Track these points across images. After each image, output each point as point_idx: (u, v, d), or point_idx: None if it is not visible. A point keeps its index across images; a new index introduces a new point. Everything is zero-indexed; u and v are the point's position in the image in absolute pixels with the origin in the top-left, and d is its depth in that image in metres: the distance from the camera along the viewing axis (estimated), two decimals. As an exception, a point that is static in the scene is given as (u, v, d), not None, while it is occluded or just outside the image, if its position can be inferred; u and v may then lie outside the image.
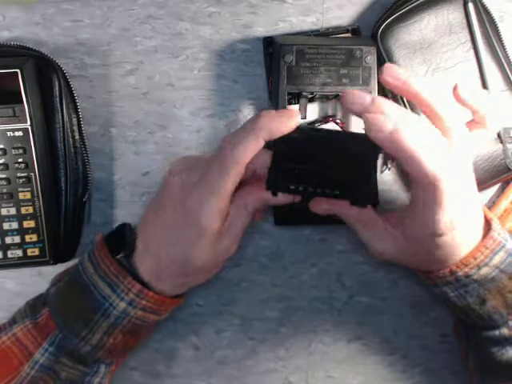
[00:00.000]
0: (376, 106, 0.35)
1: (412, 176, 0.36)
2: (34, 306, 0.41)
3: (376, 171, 0.38)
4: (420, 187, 0.36)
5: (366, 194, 0.38)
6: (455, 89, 0.38)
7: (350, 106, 0.36)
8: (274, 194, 0.39)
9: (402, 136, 0.34)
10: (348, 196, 0.39)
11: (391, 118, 0.35)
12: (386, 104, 0.36)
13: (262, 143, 0.36)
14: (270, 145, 0.38)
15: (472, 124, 0.40)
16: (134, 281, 0.38)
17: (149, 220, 0.40)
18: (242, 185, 0.39)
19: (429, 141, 0.35)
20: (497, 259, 0.38)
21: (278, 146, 0.38)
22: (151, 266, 0.39)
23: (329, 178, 0.38)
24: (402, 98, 0.45)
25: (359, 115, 0.36)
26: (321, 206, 0.39)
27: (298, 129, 0.38)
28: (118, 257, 0.39)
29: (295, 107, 0.43)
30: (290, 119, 0.37)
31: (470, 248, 0.38)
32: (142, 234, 0.40)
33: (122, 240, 0.40)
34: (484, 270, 0.38)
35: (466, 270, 0.38)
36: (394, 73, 0.36)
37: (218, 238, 0.38)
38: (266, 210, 0.44)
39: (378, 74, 0.41)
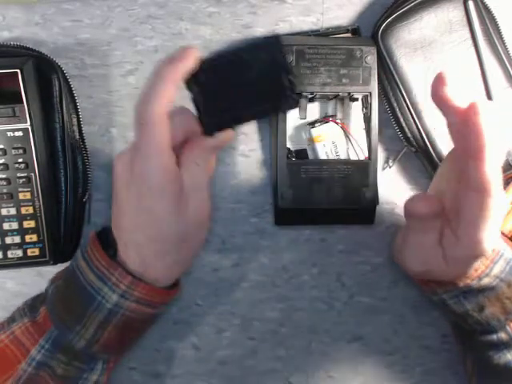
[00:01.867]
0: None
1: (469, 178, 0.33)
2: (33, 305, 0.41)
3: (288, 70, 0.34)
4: (473, 199, 0.33)
5: (283, 94, 0.35)
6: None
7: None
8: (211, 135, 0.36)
9: (483, 121, 0.32)
10: (272, 102, 0.35)
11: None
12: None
13: (170, 84, 0.33)
14: (188, 88, 0.35)
15: None
16: (125, 272, 0.38)
17: (114, 215, 0.39)
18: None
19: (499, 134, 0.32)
20: (497, 269, 0.38)
21: (194, 87, 0.35)
22: (134, 256, 0.38)
23: (252, 94, 0.35)
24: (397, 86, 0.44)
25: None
26: (423, 204, 0.37)
27: (204, 62, 0.34)
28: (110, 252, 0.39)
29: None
30: (188, 52, 0.34)
31: None
32: (115, 231, 0.39)
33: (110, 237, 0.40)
34: (485, 281, 0.38)
35: (468, 281, 0.38)
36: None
37: (180, 201, 0.36)
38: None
39: (377, 75, 0.41)
